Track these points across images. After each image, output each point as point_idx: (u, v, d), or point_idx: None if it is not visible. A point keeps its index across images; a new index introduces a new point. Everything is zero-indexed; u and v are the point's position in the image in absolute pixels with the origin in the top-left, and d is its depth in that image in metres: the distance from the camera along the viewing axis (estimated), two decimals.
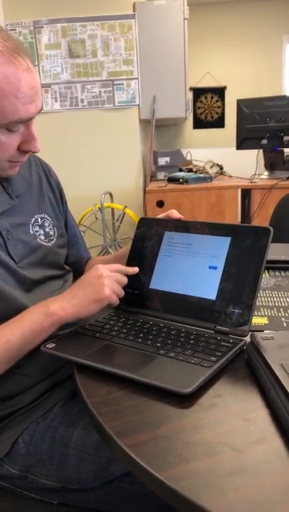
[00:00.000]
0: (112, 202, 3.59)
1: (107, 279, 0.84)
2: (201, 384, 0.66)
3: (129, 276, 0.93)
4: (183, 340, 0.79)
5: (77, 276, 1.15)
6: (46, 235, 0.99)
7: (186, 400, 0.64)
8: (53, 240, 1.00)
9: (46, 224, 1.00)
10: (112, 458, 0.81)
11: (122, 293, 0.87)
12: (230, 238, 0.86)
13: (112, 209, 3.62)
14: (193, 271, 0.89)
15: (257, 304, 0.96)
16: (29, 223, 0.96)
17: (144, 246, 0.97)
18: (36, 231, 0.96)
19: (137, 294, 0.94)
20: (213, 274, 0.86)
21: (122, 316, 0.90)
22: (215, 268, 0.86)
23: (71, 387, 0.92)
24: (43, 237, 0.97)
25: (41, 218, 0.99)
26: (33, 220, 0.97)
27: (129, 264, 0.97)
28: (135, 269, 0.92)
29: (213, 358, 0.72)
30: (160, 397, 0.65)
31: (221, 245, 0.87)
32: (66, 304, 0.81)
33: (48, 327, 0.80)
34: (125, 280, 0.88)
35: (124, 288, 0.90)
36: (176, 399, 0.64)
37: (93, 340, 0.82)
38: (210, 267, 0.87)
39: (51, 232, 1.00)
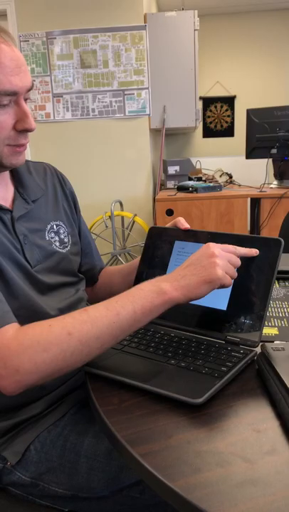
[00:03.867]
0: (122, 210, 3.61)
1: (218, 259, 0.77)
2: (213, 394, 0.67)
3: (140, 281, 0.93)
4: (194, 350, 0.80)
5: (90, 284, 1.16)
6: (61, 241, 1.00)
7: (197, 410, 0.65)
8: (67, 247, 1.01)
9: (61, 231, 1.01)
10: (122, 467, 0.82)
11: (235, 275, 0.80)
12: None
13: (122, 217, 3.64)
14: None
15: (267, 314, 0.97)
16: (45, 229, 0.97)
17: (155, 255, 0.98)
18: (52, 237, 0.98)
19: None
20: None
21: None
22: None
23: (82, 396, 0.93)
24: (58, 244, 0.99)
25: (56, 225, 1.00)
26: (48, 226, 0.98)
27: (139, 272, 0.98)
28: (254, 251, 0.85)
29: (224, 368, 0.72)
30: (172, 407, 0.66)
31: None
32: (176, 284, 0.75)
33: (159, 306, 0.74)
34: (239, 262, 0.81)
35: None
36: (188, 408, 0.65)
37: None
38: None
39: (66, 240, 1.02)
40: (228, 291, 0.86)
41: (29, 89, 0.83)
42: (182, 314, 0.89)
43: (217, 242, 0.89)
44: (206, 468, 0.54)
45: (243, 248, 0.84)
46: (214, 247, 0.79)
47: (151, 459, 0.55)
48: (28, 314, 0.83)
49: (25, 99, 0.84)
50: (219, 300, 0.86)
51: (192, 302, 0.88)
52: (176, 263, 0.94)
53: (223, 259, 0.78)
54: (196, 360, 0.76)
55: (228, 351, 0.78)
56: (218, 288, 0.77)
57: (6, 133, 0.82)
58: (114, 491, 0.82)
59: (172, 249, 0.96)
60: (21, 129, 0.83)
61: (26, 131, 0.84)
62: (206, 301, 0.87)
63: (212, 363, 0.75)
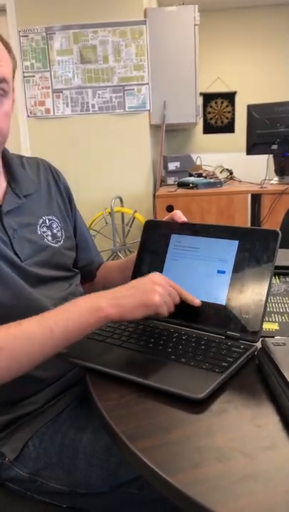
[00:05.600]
0: (122, 206, 3.60)
1: (160, 288, 0.79)
2: (214, 390, 0.66)
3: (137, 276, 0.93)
4: (194, 345, 0.79)
5: (88, 280, 1.16)
6: (54, 236, 0.99)
7: (197, 405, 0.64)
8: (60, 241, 1.01)
9: (54, 226, 1.01)
10: (121, 463, 0.81)
11: (172, 308, 0.81)
12: (238, 242, 0.86)
13: (122, 213, 3.63)
14: (202, 275, 0.89)
15: (268, 309, 0.96)
16: (37, 224, 0.97)
17: (152, 249, 0.97)
18: (44, 232, 0.98)
19: None
20: (222, 279, 0.86)
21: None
22: (223, 272, 0.86)
23: (81, 392, 0.93)
24: (50, 238, 0.98)
25: (49, 220, 1.00)
26: (40, 221, 0.98)
27: (136, 267, 0.97)
28: (196, 301, 0.86)
29: (225, 364, 0.72)
30: (171, 402, 0.65)
31: (229, 249, 0.87)
32: (114, 302, 0.76)
33: (93, 324, 0.75)
34: (178, 299, 0.83)
35: None
36: (188, 404, 0.64)
37: (104, 345, 0.82)
38: (218, 271, 0.87)
39: (59, 234, 1.01)
40: (226, 285, 0.85)
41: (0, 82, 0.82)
42: (182, 309, 0.88)
43: (214, 235, 0.89)
44: (206, 463, 0.53)
45: (188, 294, 0.85)
46: (160, 277, 0.82)
47: (150, 454, 0.55)
48: (23, 304, 0.84)
49: None
50: (218, 295, 0.85)
51: None
52: (174, 257, 0.93)
53: (165, 290, 0.80)
54: (196, 355, 0.75)
55: (228, 346, 0.78)
56: (153, 315, 0.79)
57: None
58: (113, 487, 0.82)
59: (169, 242, 0.95)
60: None
61: None
62: (205, 296, 0.87)
63: (212, 358, 0.74)
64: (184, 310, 0.88)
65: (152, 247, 0.97)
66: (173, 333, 0.84)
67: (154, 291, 0.78)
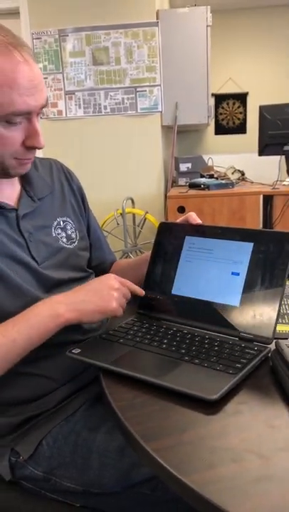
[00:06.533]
0: (134, 207, 3.61)
1: (117, 292, 0.84)
2: (228, 391, 0.66)
3: (151, 282, 0.94)
4: (207, 346, 0.79)
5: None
6: (68, 237, 1.00)
7: (211, 407, 0.64)
8: (74, 242, 1.01)
9: (68, 227, 1.01)
10: (134, 463, 0.82)
11: (124, 307, 0.87)
12: (252, 244, 0.86)
13: (134, 214, 3.63)
14: (216, 277, 0.89)
15: (281, 311, 0.96)
16: (51, 226, 0.98)
17: (166, 251, 0.98)
18: (58, 233, 0.98)
19: (160, 299, 0.94)
20: (235, 281, 0.86)
21: (146, 321, 0.91)
22: (238, 274, 0.86)
23: (95, 392, 0.93)
24: (65, 240, 0.99)
25: (63, 221, 1.01)
26: (55, 222, 0.99)
27: (150, 268, 0.98)
28: (142, 292, 0.93)
29: (239, 365, 0.72)
30: (185, 403, 0.65)
31: (243, 251, 0.87)
32: (72, 307, 0.81)
33: (53, 329, 0.80)
34: (129, 295, 0.89)
35: (147, 293, 0.91)
36: (202, 405, 0.64)
37: (118, 345, 0.82)
38: (232, 273, 0.87)
39: (73, 235, 1.02)
40: (240, 287, 0.85)
41: (43, 107, 0.83)
42: (195, 311, 0.89)
43: (228, 237, 0.89)
44: (220, 464, 0.53)
45: (136, 287, 0.91)
46: (115, 281, 0.86)
47: (165, 455, 0.55)
48: None
49: (38, 114, 0.84)
50: (231, 296, 0.86)
51: (204, 299, 0.88)
52: (187, 258, 0.94)
53: (120, 293, 0.85)
54: (209, 356, 0.76)
55: (241, 348, 0.78)
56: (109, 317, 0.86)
57: (15, 148, 0.83)
58: (126, 488, 0.83)
59: (183, 244, 0.95)
60: (30, 146, 0.83)
61: (35, 148, 0.84)
62: (218, 298, 0.87)
63: (226, 359, 0.74)
64: (197, 311, 0.88)
65: (166, 249, 0.97)
66: (186, 335, 0.84)
67: (111, 297, 0.83)
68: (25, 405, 0.88)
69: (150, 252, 1.01)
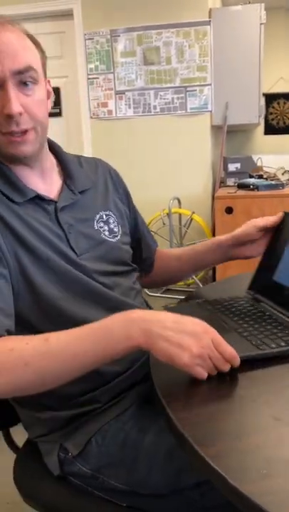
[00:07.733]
0: (180, 207, 3.59)
1: (198, 347, 0.66)
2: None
3: (264, 266, 1.01)
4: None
5: (148, 268, 1.19)
6: (111, 231, 1.00)
7: (267, 414, 0.62)
8: (117, 236, 1.01)
9: (111, 221, 1.01)
10: (182, 468, 0.80)
11: (212, 372, 0.69)
12: None
13: (180, 215, 3.62)
14: None
15: None
16: (94, 219, 0.98)
17: (281, 238, 1.01)
18: (101, 227, 0.98)
19: (265, 282, 0.98)
20: None
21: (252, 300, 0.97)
22: None
23: (145, 392, 0.92)
24: (107, 233, 0.99)
25: (106, 215, 1.01)
26: (97, 216, 0.99)
27: (266, 254, 1.03)
28: (237, 361, 0.70)
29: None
30: (239, 407, 0.64)
31: None
32: (150, 334, 0.67)
33: (121, 352, 0.70)
34: (225, 368, 0.69)
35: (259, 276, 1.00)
36: (256, 411, 0.62)
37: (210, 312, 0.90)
38: None
39: (116, 229, 1.02)
40: None
41: (20, 72, 0.81)
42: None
43: None
44: (277, 474, 0.51)
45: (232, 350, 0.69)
46: (206, 336, 0.67)
47: (219, 460, 0.54)
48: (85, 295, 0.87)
49: (25, 82, 0.82)
50: None
51: None
52: None
53: (205, 351, 0.67)
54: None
55: None
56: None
57: None
58: (174, 491, 0.81)
59: None
60: (4, 114, 0.81)
61: (8, 116, 0.81)
62: None
63: None
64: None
65: (282, 237, 1.01)
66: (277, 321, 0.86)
67: (189, 347, 0.66)
68: (75, 400, 0.88)
69: (242, 229, 1.05)
